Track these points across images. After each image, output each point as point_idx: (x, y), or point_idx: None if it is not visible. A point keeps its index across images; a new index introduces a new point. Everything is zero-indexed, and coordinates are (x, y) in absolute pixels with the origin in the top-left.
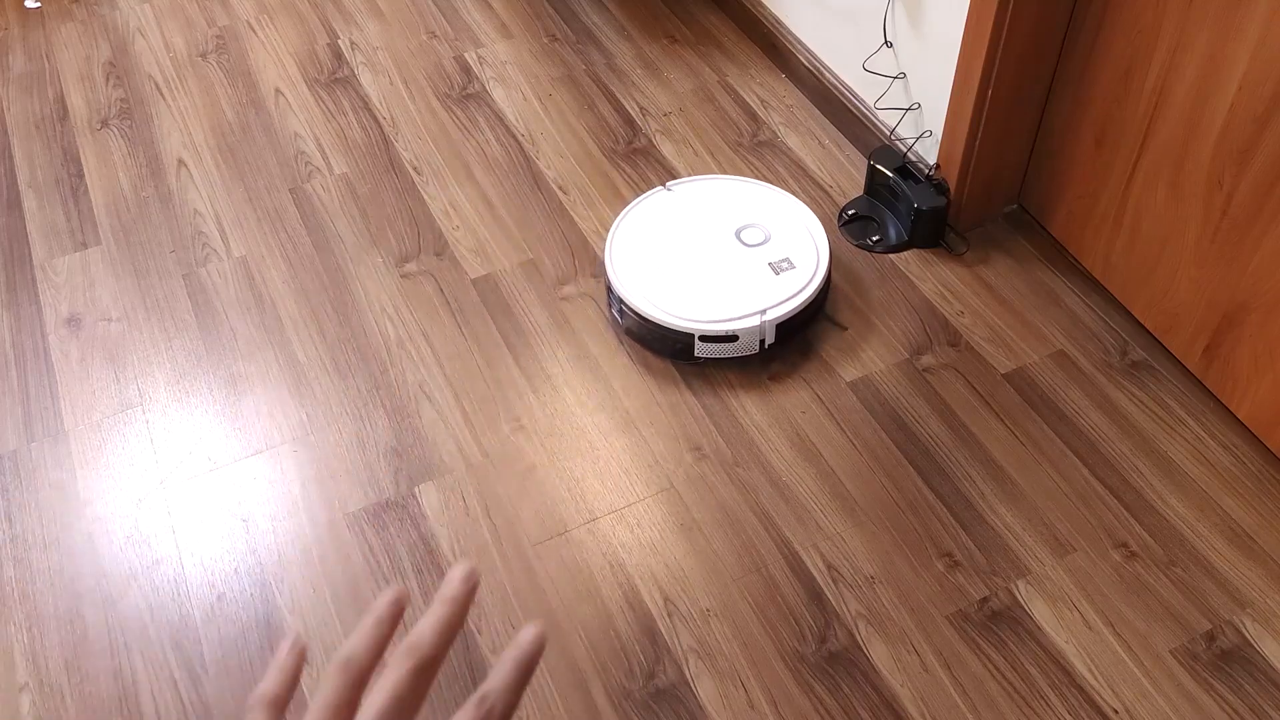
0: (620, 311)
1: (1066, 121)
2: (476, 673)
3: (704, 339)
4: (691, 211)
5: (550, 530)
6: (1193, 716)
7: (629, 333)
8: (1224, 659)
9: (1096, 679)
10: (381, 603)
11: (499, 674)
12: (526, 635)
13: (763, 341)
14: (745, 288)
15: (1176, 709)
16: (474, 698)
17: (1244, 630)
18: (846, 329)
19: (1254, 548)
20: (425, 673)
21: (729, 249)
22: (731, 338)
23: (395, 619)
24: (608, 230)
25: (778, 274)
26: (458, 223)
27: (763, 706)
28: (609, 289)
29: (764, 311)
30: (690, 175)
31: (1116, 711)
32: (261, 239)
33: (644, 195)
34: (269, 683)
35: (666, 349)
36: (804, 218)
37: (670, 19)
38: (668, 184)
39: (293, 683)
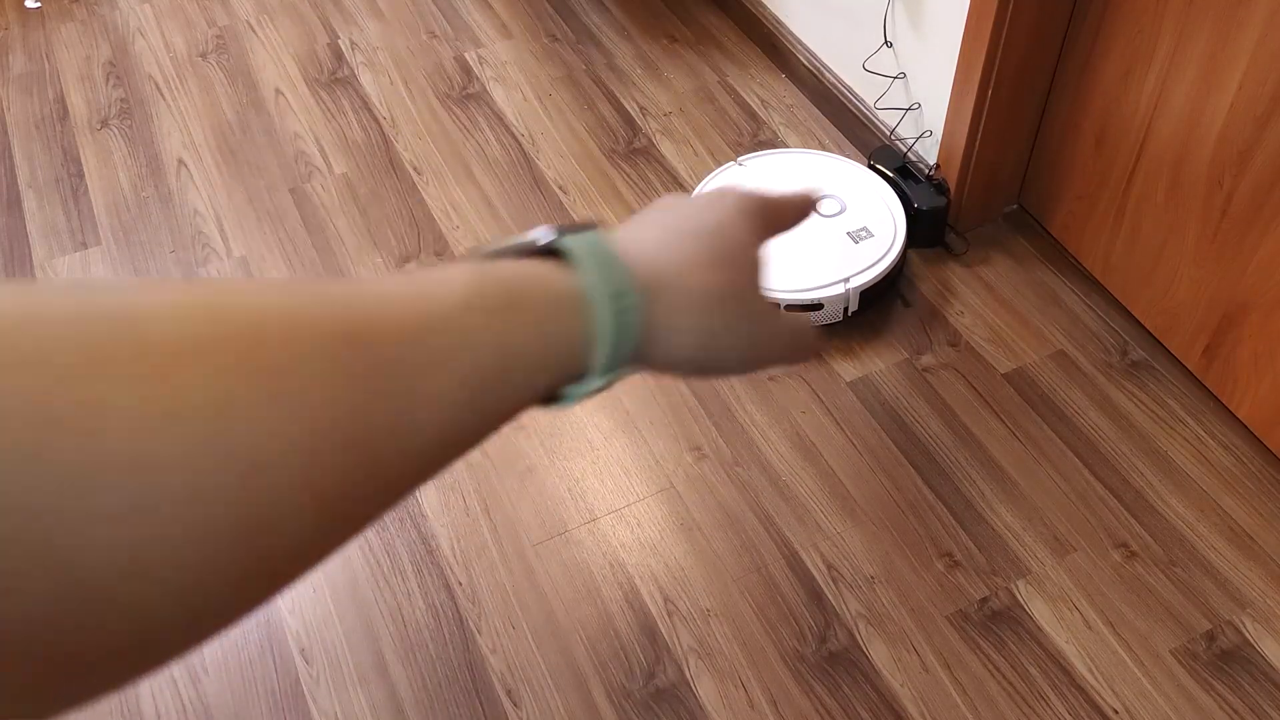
0: None
1: (1066, 121)
2: (476, 672)
3: (789, 308)
4: (765, 185)
5: (550, 530)
6: (1193, 716)
7: None
8: (1224, 659)
9: (1096, 679)
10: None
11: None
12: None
13: (846, 309)
14: (826, 257)
15: (1176, 709)
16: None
17: (1244, 630)
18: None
19: (1254, 548)
20: (779, 203)
21: (806, 220)
22: (817, 306)
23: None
24: None
25: (857, 243)
26: (458, 223)
27: (763, 706)
28: None
29: (848, 279)
30: (690, 175)
31: (1116, 711)
32: (261, 239)
33: (717, 170)
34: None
35: None
36: (878, 188)
37: (670, 19)
38: (739, 159)
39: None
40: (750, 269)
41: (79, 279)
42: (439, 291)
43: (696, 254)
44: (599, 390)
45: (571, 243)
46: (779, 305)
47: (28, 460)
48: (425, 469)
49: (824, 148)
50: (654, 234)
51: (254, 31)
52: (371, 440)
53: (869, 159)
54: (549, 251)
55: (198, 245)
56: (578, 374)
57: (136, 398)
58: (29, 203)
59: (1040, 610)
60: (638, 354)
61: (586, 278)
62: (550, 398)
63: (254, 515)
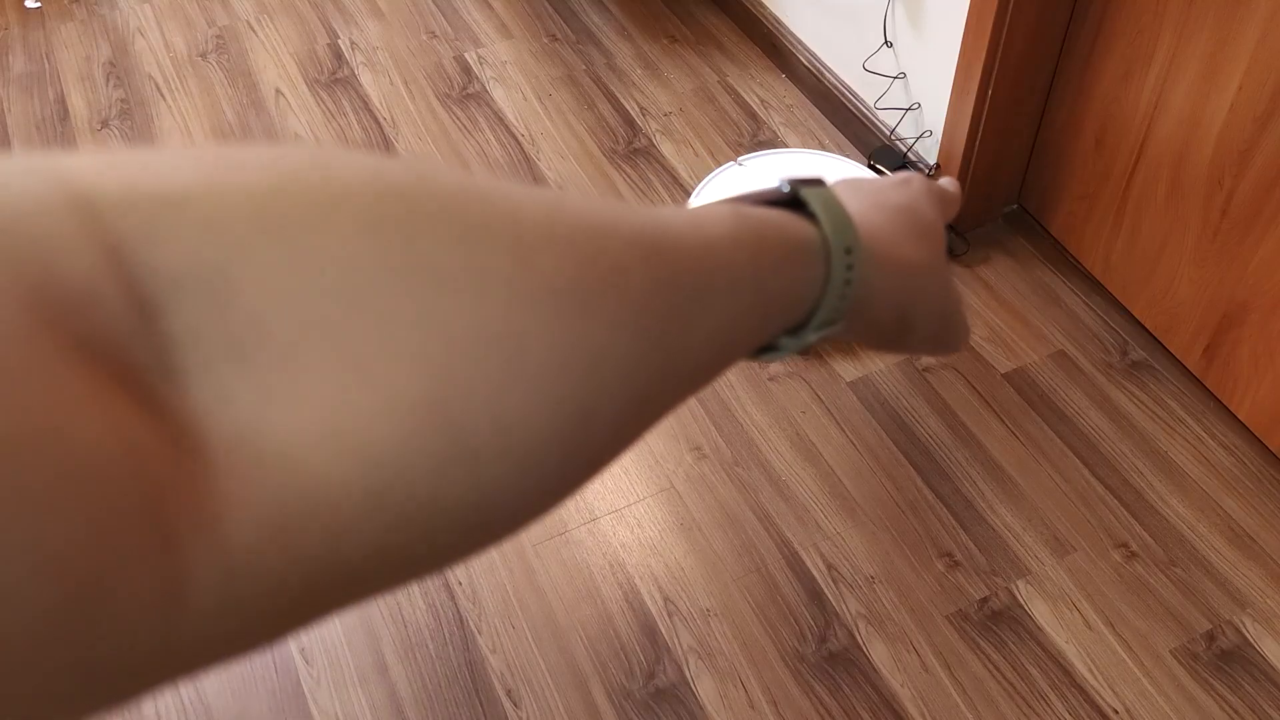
0: None
1: (1066, 121)
2: (476, 673)
3: None
4: (764, 185)
5: (550, 530)
6: (1193, 716)
7: None
8: (1224, 659)
9: (1096, 679)
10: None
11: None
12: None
13: None
14: None
15: (1176, 709)
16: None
17: (1244, 630)
18: None
19: (1254, 548)
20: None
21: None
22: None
23: None
24: None
25: None
26: None
27: (763, 706)
28: None
29: None
30: (690, 175)
31: (1116, 711)
32: None
33: (717, 170)
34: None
35: None
36: None
37: (670, 19)
38: (739, 159)
39: None
40: (942, 249)
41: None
42: (711, 227)
43: (901, 227)
44: (807, 346)
45: (810, 195)
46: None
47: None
48: (680, 394)
49: (824, 148)
50: (860, 202)
51: (254, 31)
52: (664, 354)
53: (869, 159)
54: (788, 203)
55: None
56: (798, 324)
57: (525, 269)
58: None
59: (1040, 610)
60: (848, 313)
61: (824, 230)
62: (764, 347)
63: (588, 402)
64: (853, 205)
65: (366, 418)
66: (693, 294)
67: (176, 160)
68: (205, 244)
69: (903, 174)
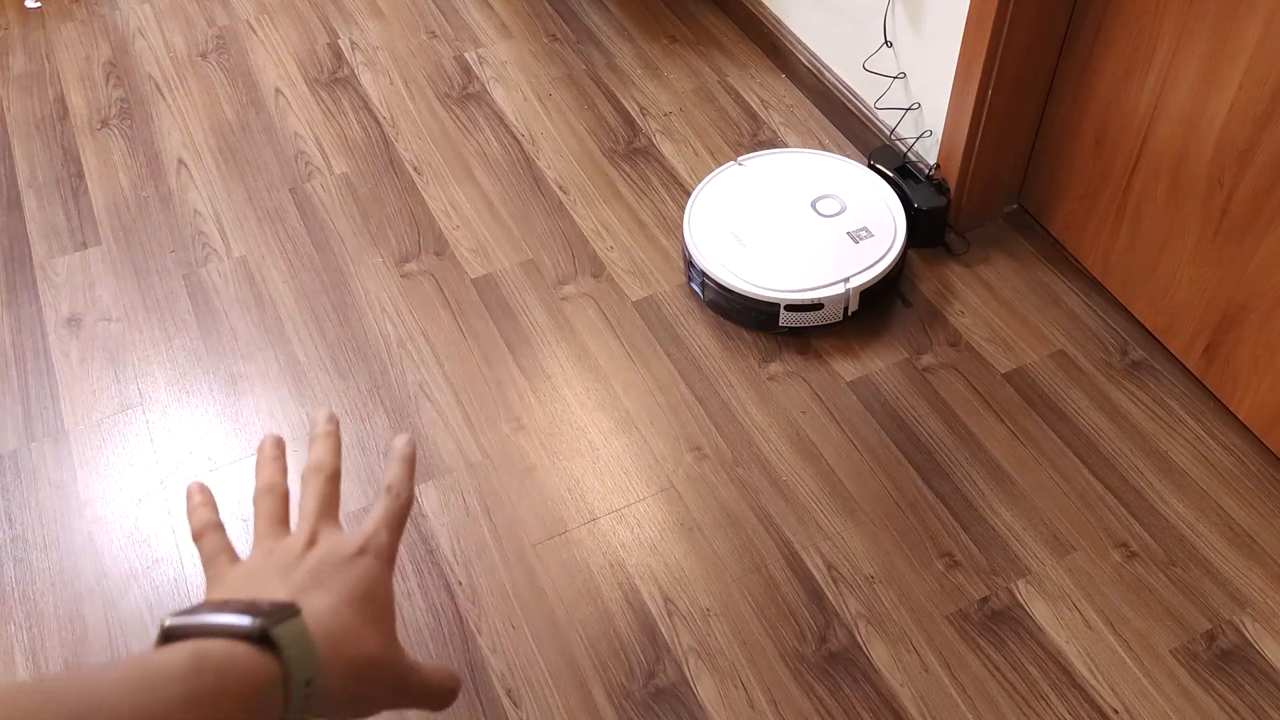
0: (702, 284)
1: (1066, 121)
2: (476, 673)
3: (789, 308)
4: (765, 185)
5: (550, 530)
6: (1193, 716)
7: (711, 305)
8: (1224, 659)
9: (1096, 679)
10: (267, 445)
11: (393, 470)
12: (399, 441)
13: (846, 309)
14: (826, 257)
15: (1176, 709)
16: (382, 490)
17: (1244, 630)
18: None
19: (1254, 548)
20: (335, 480)
21: (807, 220)
22: (817, 306)
23: (283, 454)
24: (606, 230)
25: (857, 243)
26: (458, 223)
27: (763, 706)
28: (690, 263)
29: (848, 279)
30: (690, 175)
31: (1116, 711)
32: (261, 239)
33: (716, 171)
34: (202, 513)
35: (750, 320)
36: (878, 188)
37: (670, 19)
38: (739, 159)
39: (216, 507)
40: (391, 626)
41: None
42: (162, 690)
43: (362, 616)
44: None
45: (282, 634)
46: (780, 305)
47: None
48: None
49: (824, 147)
50: (332, 598)
51: (254, 31)
52: None
53: (869, 159)
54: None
55: (198, 245)
56: None
57: None
58: (29, 203)
59: (1040, 610)
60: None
61: (290, 666)
62: None
63: None
64: (321, 608)
65: None
66: None
67: None
68: None
69: (362, 539)
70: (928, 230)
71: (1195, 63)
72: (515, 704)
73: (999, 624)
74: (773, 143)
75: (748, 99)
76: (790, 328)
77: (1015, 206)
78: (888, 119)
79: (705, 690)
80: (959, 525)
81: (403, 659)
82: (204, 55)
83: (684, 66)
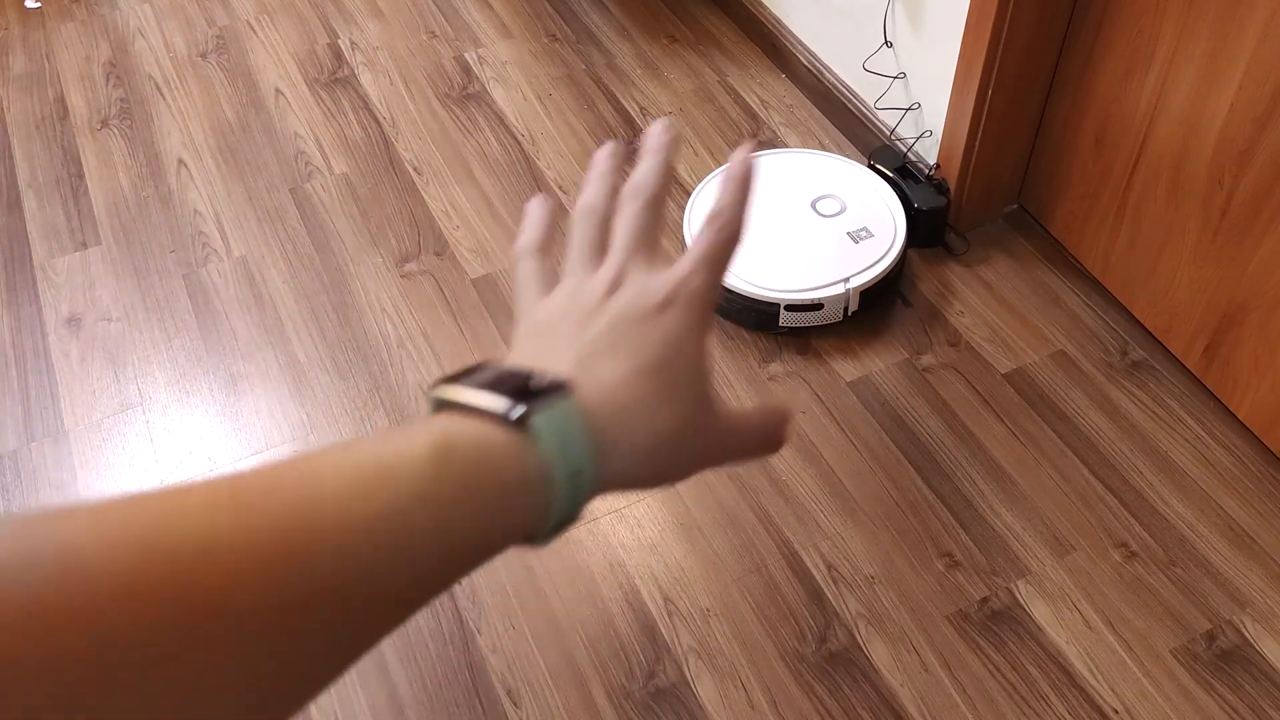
0: None
1: (1066, 121)
2: (476, 673)
3: (789, 308)
4: (765, 185)
5: None
6: (1193, 716)
7: None
8: (1224, 659)
9: (1096, 679)
10: (601, 156)
11: (725, 192)
12: (739, 155)
13: (846, 309)
14: (826, 257)
15: (1176, 709)
16: (707, 217)
17: (1244, 630)
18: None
19: (1254, 548)
20: (656, 206)
21: (807, 220)
22: (816, 306)
23: (618, 168)
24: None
25: (857, 243)
26: (458, 223)
27: (763, 706)
28: None
29: (848, 279)
30: (690, 175)
31: (1116, 711)
32: (261, 239)
33: (716, 171)
34: (529, 233)
35: (750, 320)
36: (878, 188)
37: (670, 19)
38: None
39: (550, 229)
40: (700, 389)
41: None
42: (399, 475)
43: (656, 391)
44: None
45: (543, 422)
46: (780, 305)
47: None
48: (359, 651)
49: (824, 148)
50: (615, 372)
51: (254, 31)
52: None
53: (869, 159)
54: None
55: (198, 245)
56: (522, 538)
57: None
58: (29, 203)
59: (1040, 610)
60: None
61: (550, 461)
62: None
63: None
64: (610, 379)
65: None
66: (340, 592)
67: None
68: None
69: (671, 286)
70: (928, 230)
71: (1195, 63)
72: (515, 704)
73: (999, 624)
74: (773, 143)
75: (748, 99)
76: (790, 328)
77: (1015, 206)
78: (888, 119)
79: (705, 690)
80: (959, 525)
81: (714, 424)
82: (204, 55)
83: (684, 66)
